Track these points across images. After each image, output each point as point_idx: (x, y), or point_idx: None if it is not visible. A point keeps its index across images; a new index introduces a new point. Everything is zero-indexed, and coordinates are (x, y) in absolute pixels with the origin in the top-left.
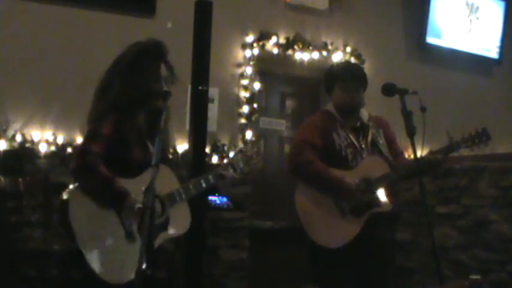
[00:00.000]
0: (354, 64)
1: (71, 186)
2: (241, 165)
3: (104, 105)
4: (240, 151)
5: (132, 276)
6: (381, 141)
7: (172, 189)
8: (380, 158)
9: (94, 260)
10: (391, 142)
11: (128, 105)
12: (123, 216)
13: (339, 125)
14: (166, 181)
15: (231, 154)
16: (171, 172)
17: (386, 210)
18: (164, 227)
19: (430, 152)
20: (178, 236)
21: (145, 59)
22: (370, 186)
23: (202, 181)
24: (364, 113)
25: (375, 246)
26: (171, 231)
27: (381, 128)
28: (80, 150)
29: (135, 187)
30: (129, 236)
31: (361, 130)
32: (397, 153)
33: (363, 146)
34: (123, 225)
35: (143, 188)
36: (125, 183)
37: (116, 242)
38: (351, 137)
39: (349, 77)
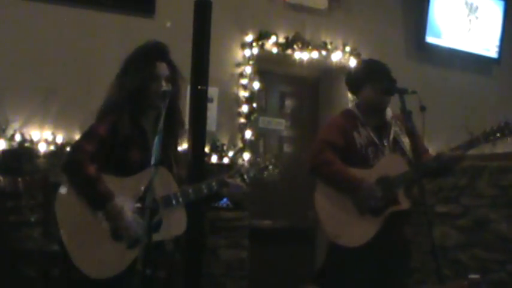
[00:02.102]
0: (383, 63)
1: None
2: (251, 174)
3: (104, 107)
4: (254, 162)
5: (115, 271)
6: (403, 139)
7: (169, 191)
8: (400, 156)
9: (76, 255)
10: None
11: (122, 106)
12: (106, 217)
13: (360, 124)
14: (163, 183)
15: (230, 153)
16: (169, 174)
17: (405, 208)
18: (155, 228)
19: (451, 148)
20: (169, 238)
21: (140, 59)
22: (389, 185)
23: (203, 187)
24: (388, 111)
25: (394, 245)
26: (163, 233)
27: (403, 127)
28: (71, 147)
29: (129, 185)
30: (115, 234)
31: (383, 128)
32: (422, 152)
33: (385, 144)
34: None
35: (140, 187)
36: (118, 181)
37: (101, 239)
38: (373, 135)
39: (384, 77)
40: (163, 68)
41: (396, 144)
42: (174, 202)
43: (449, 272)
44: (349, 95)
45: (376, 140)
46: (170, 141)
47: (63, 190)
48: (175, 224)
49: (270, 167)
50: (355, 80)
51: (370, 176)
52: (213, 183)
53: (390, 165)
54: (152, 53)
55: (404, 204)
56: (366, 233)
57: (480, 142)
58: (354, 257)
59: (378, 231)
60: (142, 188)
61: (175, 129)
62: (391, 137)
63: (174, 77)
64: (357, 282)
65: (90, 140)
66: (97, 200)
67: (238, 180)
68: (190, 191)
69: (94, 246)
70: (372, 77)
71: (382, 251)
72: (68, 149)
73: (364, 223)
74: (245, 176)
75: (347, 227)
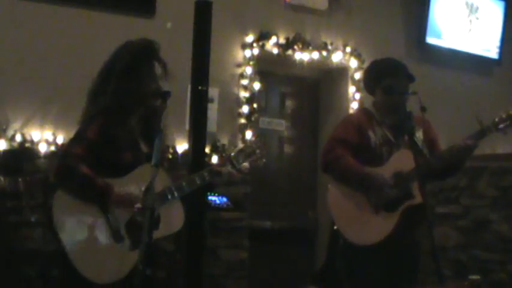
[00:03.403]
0: (394, 61)
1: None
2: (240, 160)
3: (95, 109)
4: (241, 148)
5: (119, 275)
6: (419, 138)
7: (163, 187)
8: (410, 151)
9: (78, 260)
10: (432, 142)
11: (121, 110)
12: (109, 212)
13: (375, 123)
14: (158, 180)
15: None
16: (163, 171)
17: (419, 202)
18: (155, 226)
19: (462, 139)
20: (170, 234)
21: (141, 61)
22: (403, 180)
23: (196, 178)
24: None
25: (409, 242)
26: (163, 229)
27: (421, 127)
28: (61, 154)
29: (123, 186)
30: (116, 236)
31: (400, 128)
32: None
33: (400, 143)
34: (110, 225)
35: (134, 187)
36: (112, 182)
37: (102, 242)
38: (388, 134)
39: (399, 74)
40: (157, 68)
41: (412, 143)
42: (169, 197)
43: (449, 272)
44: (350, 96)
45: (392, 139)
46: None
47: (59, 197)
48: (173, 219)
49: (257, 151)
50: (368, 80)
51: (383, 172)
52: (205, 174)
53: (403, 160)
54: (152, 53)
55: (419, 198)
56: (382, 230)
57: (491, 131)
58: (366, 255)
59: (394, 228)
60: (143, 188)
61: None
62: (407, 136)
63: (165, 75)
64: (368, 280)
65: (79, 144)
66: (99, 194)
67: (229, 168)
68: (183, 184)
69: (96, 251)
70: (386, 75)
71: (398, 248)
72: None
73: (380, 220)
74: (235, 163)
75: (362, 225)
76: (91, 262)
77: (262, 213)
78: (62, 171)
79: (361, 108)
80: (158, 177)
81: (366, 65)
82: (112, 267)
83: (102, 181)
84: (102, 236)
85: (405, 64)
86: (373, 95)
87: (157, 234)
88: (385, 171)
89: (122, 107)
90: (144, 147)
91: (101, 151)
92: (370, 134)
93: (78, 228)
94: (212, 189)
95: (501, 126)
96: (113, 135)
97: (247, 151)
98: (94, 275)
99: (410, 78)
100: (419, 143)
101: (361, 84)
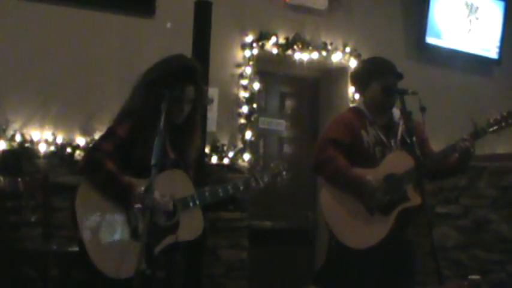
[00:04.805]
0: (387, 60)
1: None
2: (266, 178)
3: (125, 109)
4: (268, 167)
5: (132, 273)
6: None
7: (186, 193)
8: (405, 152)
9: (95, 253)
10: (423, 143)
11: (141, 113)
12: (130, 208)
13: (368, 123)
14: (182, 185)
15: (230, 154)
16: (186, 177)
17: (416, 204)
18: (172, 230)
19: (457, 140)
20: (187, 240)
21: (171, 79)
22: (396, 182)
23: (220, 190)
24: (396, 111)
25: (405, 245)
26: (180, 235)
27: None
28: (90, 147)
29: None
30: (134, 234)
31: (391, 128)
32: (430, 154)
33: (393, 144)
34: (129, 222)
35: (160, 188)
36: (138, 182)
37: (120, 238)
38: (380, 134)
39: (388, 74)
40: (189, 91)
41: (404, 144)
42: (191, 204)
43: (449, 272)
44: (350, 96)
45: (384, 139)
46: (187, 147)
47: (82, 190)
48: (193, 225)
49: (284, 172)
50: (360, 78)
51: (376, 174)
52: (229, 187)
53: (396, 162)
54: (184, 76)
55: (415, 200)
56: (376, 234)
57: (485, 132)
58: (360, 257)
59: (389, 231)
60: (168, 192)
61: (192, 138)
62: (399, 137)
63: (198, 99)
64: (363, 283)
65: (108, 140)
66: (122, 191)
67: (253, 184)
68: (206, 193)
69: (113, 247)
70: (376, 75)
71: (388, 251)
72: (68, 150)
73: (375, 223)
74: (259, 181)
75: (357, 228)
76: (107, 257)
77: (262, 213)
78: (89, 164)
79: (354, 107)
80: (180, 180)
81: None
82: (128, 263)
83: (127, 179)
84: (121, 232)
85: (394, 63)
86: (363, 95)
87: (172, 239)
88: (378, 173)
89: (145, 111)
90: (171, 154)
91: (128, 150)
92: (363, 133)
93: (97, 223)
94: (234, 203)
95: (495, 128)
96: (142, 136)
97: (274, 171)
98: (109, 270)
99: (400, 77)
100: (415, 144)
101: None
